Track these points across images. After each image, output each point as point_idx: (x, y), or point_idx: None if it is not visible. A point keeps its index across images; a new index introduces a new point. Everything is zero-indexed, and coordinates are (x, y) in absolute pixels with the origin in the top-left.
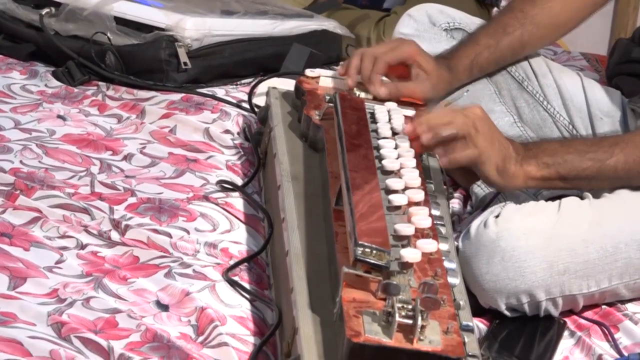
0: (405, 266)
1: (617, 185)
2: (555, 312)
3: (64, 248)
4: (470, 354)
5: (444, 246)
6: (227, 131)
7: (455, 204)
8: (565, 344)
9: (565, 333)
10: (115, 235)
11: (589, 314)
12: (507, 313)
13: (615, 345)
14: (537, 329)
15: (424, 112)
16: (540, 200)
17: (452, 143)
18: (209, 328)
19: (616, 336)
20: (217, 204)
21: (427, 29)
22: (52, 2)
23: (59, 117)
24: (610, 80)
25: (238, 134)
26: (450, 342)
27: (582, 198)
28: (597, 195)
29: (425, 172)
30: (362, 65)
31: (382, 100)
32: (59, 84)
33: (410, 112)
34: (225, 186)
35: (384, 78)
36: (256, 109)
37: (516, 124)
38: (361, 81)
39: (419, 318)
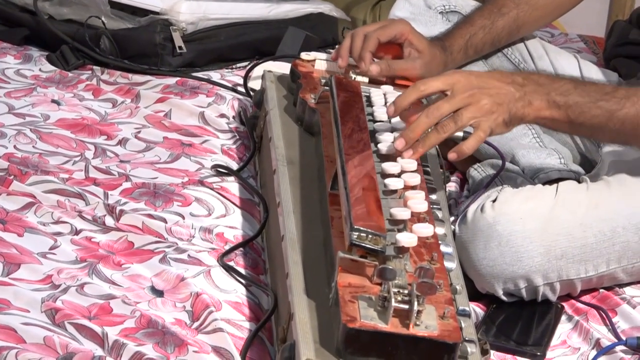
0: (401, 251)
1: (618, 139)
2: (552, 297)
3: (58, 234)
4: (467, 338)
5: (440, 230)
6: (222, 115)
7: (452, 187)
8: (563, 328)
9: (563, 317)
10: (109, 221)
11: (586, 298)
12: (504, 298)
13: (613, 329)
14: (534, 314)
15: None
16: (538, 184)
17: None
18: (204, 314)
19: (614, 320)
20: (212, 189)
21: (423, 12)
22: None
23: (53, 101)
24: (607, 62)
25: (233, 117)
26: (446, 327)
27: (579, 182)
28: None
29: (421, 156)
30: (352, 44)
31: (376, 82)
32: (53, 68)
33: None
34: (221, 170)
35: (377, 60)
36: (251, 93)
37: None
38: (354, 63)
39: (415, 303)
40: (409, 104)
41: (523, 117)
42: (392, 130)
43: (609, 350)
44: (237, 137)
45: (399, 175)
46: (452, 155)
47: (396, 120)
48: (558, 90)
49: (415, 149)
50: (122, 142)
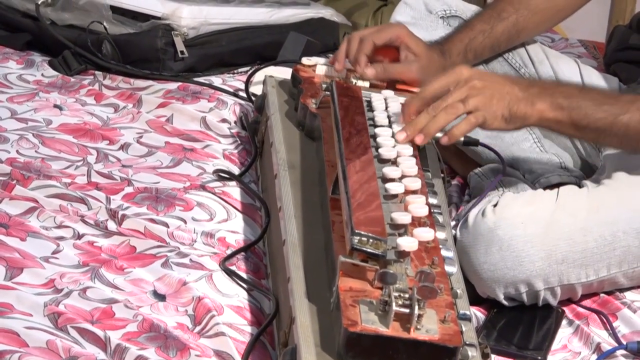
0: (402, 255)
1: (624, 145)
2: (553, 302)
3: (61, 238)
4: (467, 342)
5: (441, 235)
6: (224, 120)
7: (453, 192)
8: (564, 333)
9: (564, 322)
10: (112, 225)
11: (587, 302)
12: (505, 302)
13: (614, 334)
14: (535, 318)
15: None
16: (539, 188)
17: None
18: (206, 318)
19: (615, 324)
20: (214, 193)
21: (424, 17)
22: None
23: (56, 106)
24: (608, 67)
25: (235, 122)
26: (447, 331)
27: (580, 186)
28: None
29: (422, 160)
30: (348, 47)
31: (377, 87)
32: (55, 73)
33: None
34: (222, 175)
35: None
36: (253, 98)
37: None
38: (351, 67)
39: (416, 307)
40: (415, 113)
41: (525, 118)
42: (393, 135)
43: (609, 354)
44: (239, 141)
45: (399, 180)
46: (443, 139)
47: (397, 124)
48: (562, 93)
49: (426, 132)
50: (124, 146)
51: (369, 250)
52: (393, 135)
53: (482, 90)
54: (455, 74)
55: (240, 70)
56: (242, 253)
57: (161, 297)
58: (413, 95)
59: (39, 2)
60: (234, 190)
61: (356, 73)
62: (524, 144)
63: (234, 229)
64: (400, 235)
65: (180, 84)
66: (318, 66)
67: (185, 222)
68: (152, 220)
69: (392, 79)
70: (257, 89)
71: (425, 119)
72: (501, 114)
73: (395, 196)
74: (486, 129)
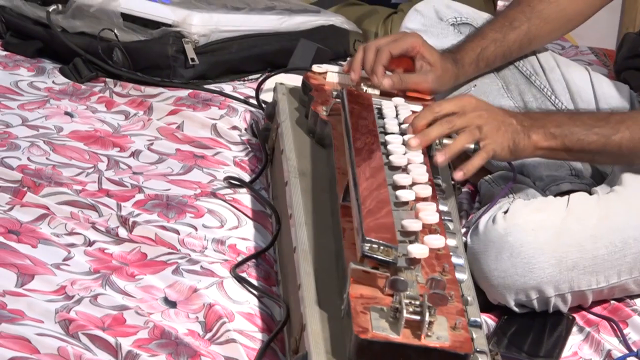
0: (412, 262)
1: (619, 162)
2: (564, 308)
3: (72, 245)
4: (478, 349)
5: (451, 242)
6: (234, 127)
7: (464, 199)
8: (574, 340)
9: (574, 329)
10: (122, 232)
11: (597, 309)
12: (515, 309)
13: (625, 341)
14: (545, 325)
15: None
16: (549, 196)
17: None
18: (216, 325)
19: (625, 331)
20: (224, 201)
21: (435, 24)
22: None
23: (67, 113)
24: (618, 74)
25: (245, 130)
26: (458, 338)
27: (590, 193)
28: (603, 168)
29: (433, 168)
30: (365, 58)
31: (388, 95)
32: (66, 80)
33: (418, 108)
34: (233, 182)
35: (389, 73)
36: (263, 105)
37: None
38: (366, 76)
39: (427, 314)
40: (426, 124)
41: (524, 150)
42: (403, 142)
43: None
44: (249, 149)
45: (410, 187)
46: (458, 175)
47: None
48: (553, 122)
49: (448, 153)
50: (135, 154)
51: (379, 257)
52: (404, 143)
53: (490, 120)
54: (464, 101)
55: (250, 77)
56: (253, 260)
57: (172, 304)
58: (423, 109)
59: (50, 10)
60: (244, 197)
61: (367, 81)
62: None
63: (245, 236)
64: (410, 242)
65: (190, 91)
66: (329, 73)
67: (196, 229)
68: (163, 227)
69: (409, 89)
70: (267, 97)
71: (439, 130)
72: (507, 145)
73: (405, 203)
74: (494, 160)
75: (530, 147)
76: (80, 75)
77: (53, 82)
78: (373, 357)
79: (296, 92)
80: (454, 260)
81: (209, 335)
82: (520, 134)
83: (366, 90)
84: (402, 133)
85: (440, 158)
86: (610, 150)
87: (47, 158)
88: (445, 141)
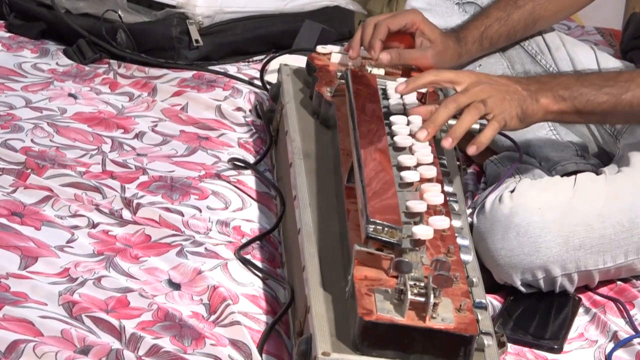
0: (417, 243)
1: (631, 121)
2: (570, 288)
3: (75, 227)
4: (483, 331)
5: (457, 223)
6: (239, 109)
7: (469, 180)
8: (581, 321)
9: (581, 310)
10: (126, 214)
11: (604, 290)
12: (522, 289)
13: (631, 322)
14: (551, 306)
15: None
16: (555, 175)
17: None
18: (221, 307)
19: (632, 312)
20: (229, 182)
21: (440, 3)
22: None
23: (70, 95)
24: (624, 54)
25: (250, 111)
26: (463, 320)
27: (597, 174)
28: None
29: (437, 148)
30: (363, 33)
31: (391, 74)
32: (70, 62)
33: (422, 89)
34: (237, 164)
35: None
36: (268, 86)
37: None
38: (368, 56)
39: (432, 296)
40: (422, 85)
41: (533, 115)
42: (408, 123)
43: (626, 342)
44: (254, 130)
45: (415, 168)
46: (471, 149)
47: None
48: (561, 85)
49: (453, 136)
50: (139, 135)
51: (384, 238)
52: (408, 124)
53: (494, 92)
54: (464, 74)
55: (255, 58)
56: (257, 242)
57: (176, 286)
58: (424, 72)
59: None
60: (249, 178)
61: (371, 61)
62: (540, 132)
63: (249, 218)
64: (415, 223)
65: (195, 72)
66: (333, 54)
67: (200, 210)
68: (167, 209)
69: (407, 64)
70: (272, 78)
71: (445, 113)
72: (516, 113)
73: (410, 184)
74: (505, 130)
75: (541, 112)
76: (84, 56)
77: (57, 63)
78: (377, 339)
79: (301, 73)
80: (459, 241)
81: (213, 317)
82: (528, 100)
83: (370, 71)
84: (407, 114)
85: (447, 143)
86: (621, 109)
87: (50, 140)
88: (450, 121)
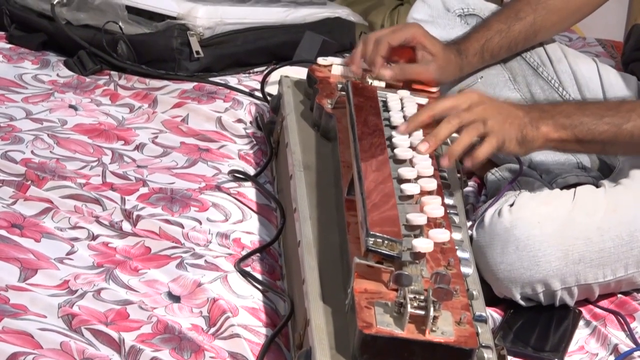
0: (417, 256)
1: (631, 152)
2: (570, 302)
3: (75, 239)
4: (483, 344)
5: (457, 235)
6: (239, 120)
7: (470, 192)
8: (581, 334)
9: (581, 323)
10: (126, 226)
11: (604, 303)
12: (522, 303)
13: (631, 335)
14: (552, 319)
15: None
16: (555, 188)
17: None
18: (220, 319)
19: (632, 325)
20: (229, 194)
21: (441, 15)
22: None
23: (71, 106)
24: (625, 66)
25: (250, 123)
26: (463, 333)
27: (597, 186)
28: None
29: (438, 161)
30: (364, 49)
31: (392, 86)
32: (70, 73)
33: (423, 101)
34: (238, 176)
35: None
36: (268, 98)
37: None
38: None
39: (432, 309)
40: (422, 122)
41: (533, 141)
42: (409, 135)
43: (627, 356)
44: (254, 142)
45: (415, 180)
46: (467, 163)
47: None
48: (562, 113)
49: (450, 154)
50: (140, 147)
51: (384, 251)
52: (409, 136)
53: (495, 113)
54: (467, 95)
55: (255, 70)
56: (258, 254)
57: (176, 299)
58: (423, 108)
59: (55, 2)
60: (249, 191)
61: (372, 73)
62: None
63: (249, 230)
64: (415, 236)
65: (195, 84)
66: (334, 66)
67: (200, 222)
68: (167, 221)
69: (410, 79)
70: (272, 89)
71: (447, 129)
72: (515, 136)
73: (410, 197)
74: (502, 152)
75: (541, 139)
76: (84, 68)
77: (57, 75)
78: (377, 352)
79: (301, 84)
80: (459, 254)
81: (212, 330)
82: (528, 126)
83: (371, 83)
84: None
85: (445, 162)
86: (622, 139)
87: (50, 151)
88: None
